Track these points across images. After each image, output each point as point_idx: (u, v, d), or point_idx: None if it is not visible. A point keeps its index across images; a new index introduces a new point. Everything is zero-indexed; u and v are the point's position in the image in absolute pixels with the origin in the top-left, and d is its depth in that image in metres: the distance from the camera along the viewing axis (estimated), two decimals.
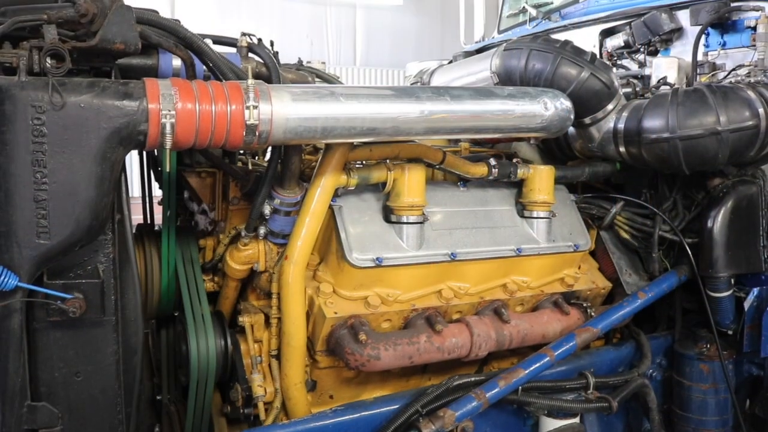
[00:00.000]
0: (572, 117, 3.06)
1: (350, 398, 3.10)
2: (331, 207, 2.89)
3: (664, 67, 3.83)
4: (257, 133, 2.32)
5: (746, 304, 3.40)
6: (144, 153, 3.29)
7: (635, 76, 4.01)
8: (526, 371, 3.00)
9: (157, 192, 3.35)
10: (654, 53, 4.22)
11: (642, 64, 4.26)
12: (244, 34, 2.95)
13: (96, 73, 2.40)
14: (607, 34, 4.55)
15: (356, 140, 2.72)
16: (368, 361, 2.77)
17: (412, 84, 5.18)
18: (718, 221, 3.37)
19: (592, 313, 3.32)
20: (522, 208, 3.29)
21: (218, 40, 2.96)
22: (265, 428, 2.87)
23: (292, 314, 2.82)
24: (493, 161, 3.23)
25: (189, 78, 2.61)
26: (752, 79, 3.38)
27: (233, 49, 2.94)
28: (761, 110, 3.10)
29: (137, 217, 3.13)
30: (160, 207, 3.21)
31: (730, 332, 3.49)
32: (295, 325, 2.83)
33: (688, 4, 3.89)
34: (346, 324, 2.86)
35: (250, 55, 2.92)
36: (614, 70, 4.02)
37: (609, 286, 3.53)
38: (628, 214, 3.57)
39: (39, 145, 2.07)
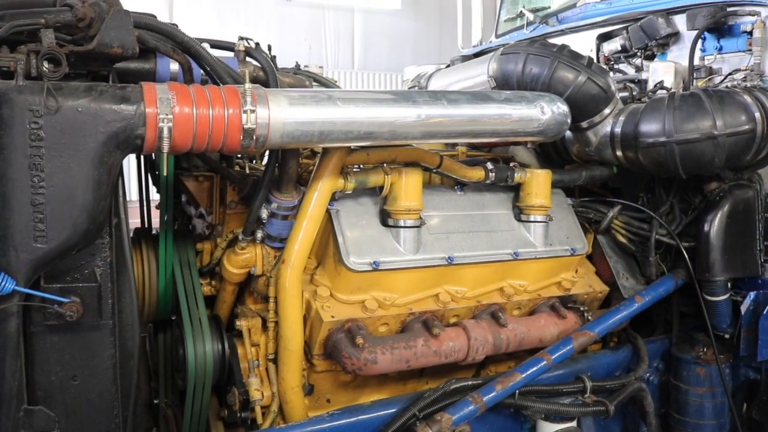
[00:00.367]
0: (569, 121, 3.07)
1: (347, 402, 3.09)
2: (328, 211, 2.89)
3: (661, 72, 3.84)
4: (254, 137, 2.33)
5: (743, 308, 3.40)
6: (141, 157, 3.29)
7: (632, 81, 4.02)
8: (523, 375, 3.00)
9: (155, 196, 3.35)
10: (651, 57, 4.22)
11: (639, 69, 4.26)
12: (241, 38, 2.95)
13: (93, 78, 2.41)
14: (604, 38, 4.56)
15: (353, 144, 2.72)
16: (365, 365, 2.77)
17: (409, 88, 5.19)
18: (714, 225, 3.37)
19: (589, 317, 3.32)
20: (519, 212, 3.29)
21: (216, 44, 2.96)
22: None
23: (290, 318, 2.82)
24: (490, 165, 3.23)
25: (186, 82, 2.61)
26: (749, 84, 3.39)
27: (231, 53, 2.94)
28: (757, 114, 3.11)
29: (135, 221, 3.13)
30: (158, 211, 3.21)
31: (727, 336, 3.49)
32: (292, 329, 2.83)
33: (685, 9, 3.90)
34: (344, 328, 2.86)
35: (248, 59, 2.93)
36: (611, 74, 4.02)
37: (606, 289, 3.54)
38: (625, 218, 3.58)
39: (36, 149, 2.08)
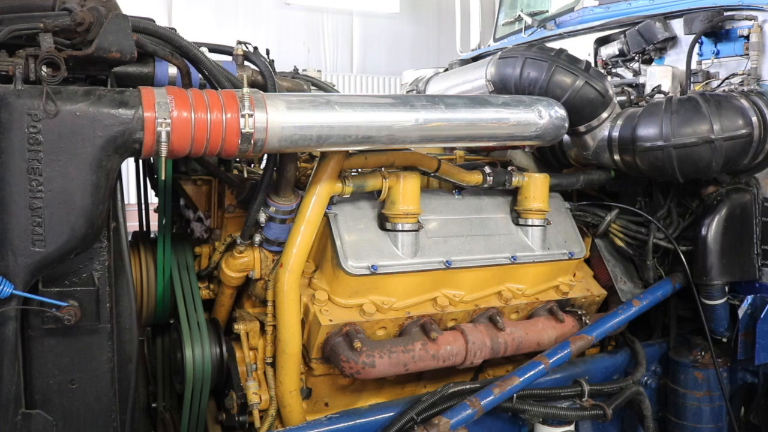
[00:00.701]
0: (566, 125, 3.08)
1: (345, 406, 3.10)
2: (326, 215, 2.90)
3: (659, 76, 3.84)
4: (252, 142, 2.33)
5: (740, 312, 3.41)
6: (140, 160, 3.29)
7: (630, 85, 4.02)
8: (521, 379, 3.01)
9: (153, 199, 3.35)
10: (648, 62, 4.23)
11: (636, 73, 4.27)
12: (240, 43, 2.96)
13: (92, 82, 2.41)
14: (601, 42, 4.57)
15: (351, 148, 2.73)
16: (363, 369, 2.78)
17: (408, 92, 5.19)
18: (712, 229, 3.38)
19: (587, 321, 3.33)
20: (517, 216, 3.30)
21: (214, 49, 2.96)
22: None
23: (288, 322, 2.83)
24: (488, 169, 3.23)
25: (185, 86, 2.62)
26: (745, 88, 3.39)
27: (229, 58, 2.95)
28: (754, 119, 3.12)
29: (133, 224, 3.14)
30: (156, 214, 3.22)
31: (724, 340, 3.50)
32: (290, 333, 2.83)
33: (682, 13, 3.90)
34: (341, 331, 2.87)
35: (246, 63, 2.93)
36: (609, 78, 4.03)
37: (604, 293, 3.54)
38: (623, 222, 3.58)
39: (35, 153, 2.08)
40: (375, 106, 2.61)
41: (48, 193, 2.11)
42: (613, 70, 4.45)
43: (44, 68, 2.14)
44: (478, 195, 3.31)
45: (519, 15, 5.53)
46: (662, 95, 3.71)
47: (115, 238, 2.43)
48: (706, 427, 3.49)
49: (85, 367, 2.40)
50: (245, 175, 3.06)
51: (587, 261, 3.67)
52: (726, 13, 3.67)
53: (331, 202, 2.91)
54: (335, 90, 3.87)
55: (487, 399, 2.90)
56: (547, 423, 3.08)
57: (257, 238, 2.93)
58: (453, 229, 3.14)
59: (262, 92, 2.41)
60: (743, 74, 3.49)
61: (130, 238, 3.05)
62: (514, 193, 3.33)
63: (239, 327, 2.99)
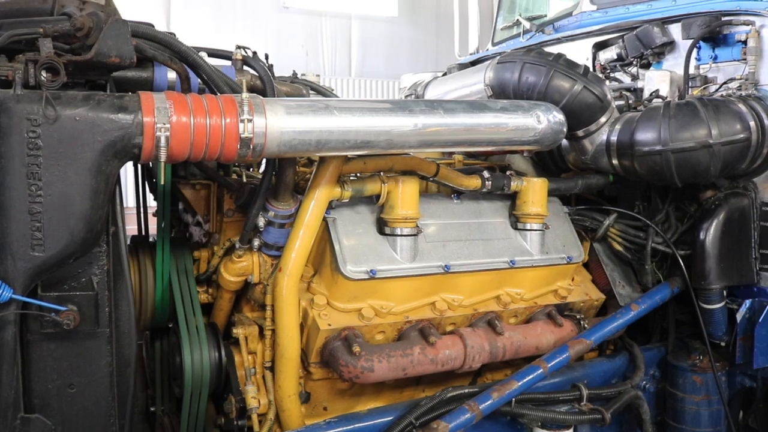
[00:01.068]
0: (565, 130, 3.08)
1: (344, 410, 3.10)
2: (325, 219, 2.90)
3: (657, 80, 3.85)
4: (251, 147, 2.34)
5: (738, 316, 3.41)
6: (139, 165, 3.29)
7: (628, 89, 4.03)
8: (520, 383, 3.00)
9: (152, 203, 3.35)
10: (646, 66, 4.23)
11: (635, 77, 4.27)
12: (238, 47, 2.96)
13: (91, 87, 2.42)
14: (600, 47, 4.57)
15: (350, 153, 2.73)
16: (362, 373, 2.78)
17: (406, 96, 5.20)
18: (710, 233, 3.38)
19: (586, 325, 3.33)
20: (515, 221, 3.30)
21: (213, 53, 2.97)
22: None
23: (286, 326, 2.83)
24: (486, 174, 3.24)
25: (184, 91, 2.62)
26: (743, 93, 3.40)
27: (228, 62, 2.95)
28: (752, 123, 3.13)
29: (132, 228, 3.14)
30: (155, 218, 3.22)
31: (722, 344, 3.50)
32: (289, 337, 2.84)
33: (680, 18, 3.91)
34: (340, 336, 2.87)
35: (245, 68, 2.94)
36: (607, 82, 4.03)
37: (602, 297, 3.54)
38: (621, 226, 3.59)
39: (34, 158, 2.08)
40: (374, 111, 2.61)
41: (47, 197, 2.12)
42: (612, 75, 4.45)
43: (44, 73, 2.14)
44: (476, 199, 3.31)
45: (517, 19, 5.54)
46: (660, 100, 3.72)
47: (114, 242, 2.43)
48: (704, 431, 3.49)
49: (83, 372, 2.40)
50: (244, 180, 3.06)
51: (586, 265, 3.67)
52: (724, 18, 3.67)
53: (330, 207, 2.91)
54: (334, 94, 3.87)
55: (486, 403, 2.90)
56: (545, 427, 3.08)
57: (256, 243, 2.93)
58: (452, 234, 3.14)
59: (261, 97, 2.42)
60: (741, 79, 3.49)
61: (128, 243, 3.05)
62: (512, 198, 3.34)
63: (238, 331, 2.99)
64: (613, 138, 3.28)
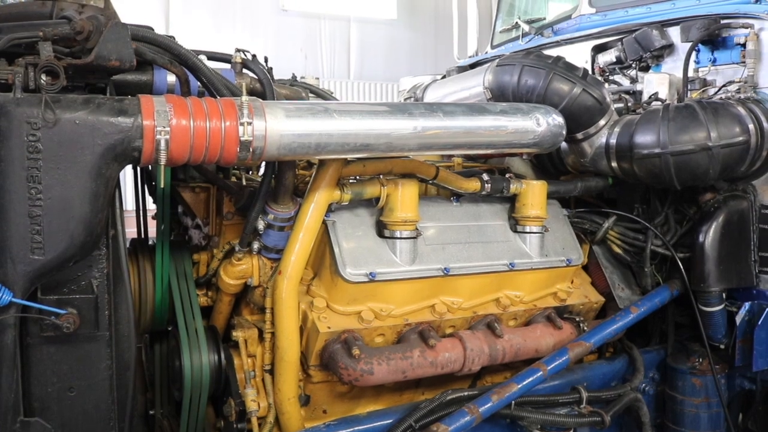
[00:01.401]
0: (564, 132, 3.08)
1: (344, 413, 3.10)
2: (324, 222, 2.90)
3: (656, 83, 3.85)
4: (251, 150, 2.34)
5: (738, 319, 3.41)
6: (138, 167, 3.29)
7: (627, 92, 4.03)
8: (519, 386, 3.00)
9: (151, 206, 3.35)
10: (645, 69, 4.24)
11: (634, 80, 4.28)
12: (238, 50, 2.96)
13: (91, 90, 2.42)
14: (599, 49, 4.58)
15: (350, 156, 2.73)
16: (362, 376, 2.78)
17: (405, 99, 5.20)
18: (709, 236, 3.39)
19: (585, 328, 3.33)
20: (515, 223, 3.31)
21: (213, 56, 2.97)
22: None
23: (286, 329, 2.83)
24: (485, 176, 3.24)
25: (183, 94, 2.63)
26: (742, 96, 3.40)
27: (227, 65, 2.95)
28: (751, 126, 3.13)
29: (131, 231, 3.14)
30: (154, 221, 3.22)
31: (722, 346, 3.50)
32: (288, 340, 2.84)
33: (679, 21, 3.91)
34: (340, 339, 2.87)
35: (245, 71, 2.94)
36: (606, 85, 4.04)
37: (602, 300, 3.55)
38: (621, 229, 3.59)
39: (34, 161, 2.08)
40: (373, 114, 2.61)
41: (47, 201, 2.11)
42: (611, 78, 4.46)
43: (43, 76, 2.14)
44: (476, 202, 3.32)
45: (516, 22, 5.54)
46: (659, 103, 3.72)
47: (114, 245, 2.43)
48: None
49: (83, 375, 2.40)
50: (244, 183, 3.06)
51: (585, 268, 3.68)
52: (723, 21, 3.68)
53: (330, 210, 2.91)
54: (333, 97, 3.88)
55: (486, 406, 2.90)
56: (545, 430, 3.08)
57: (255, 246, 2.93)
58: (451, 236, 3.14)
59: (260, 100, 2.42)
60: (740, 82, 3.50)
61: (128, 246, 3.05)
62: (512, 200, 3.34)
63: (237, 334, 2.99)
64: (613, 141, 3.28)
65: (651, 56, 4.15)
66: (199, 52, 2.75)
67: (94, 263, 2.35)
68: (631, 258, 3.61)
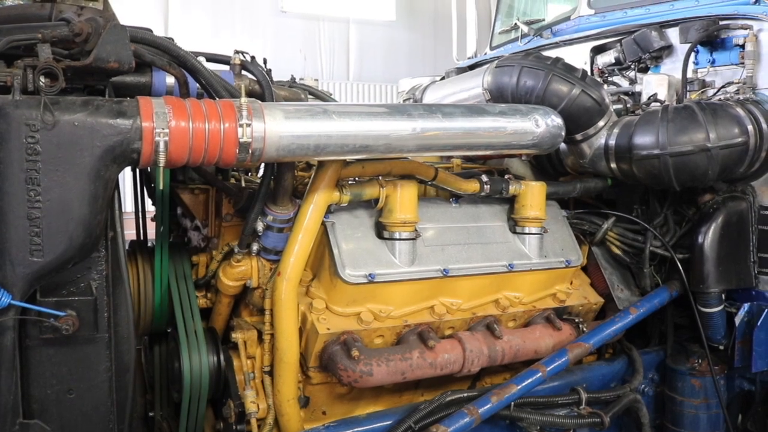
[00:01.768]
0: (563, 134, 3.08)
1: (343, 414, 3.10)
2: (323, 223, 2.90)
3: (655, 84, 3.85)
4: (250, 151, 2.34)
5: (737, 320, 3.41)
6: (137, 169, 3.29)
7: (626, 93, 4.03)
8: (519, 387, 3.00)
9: (151, 208, 3.35)
10: (644, 70, 4.24)
11: (633, 81, 4.28)
12: (237, 52, 2.96)
13: (90, 92, 2.42)
14: (598, 51, 4.58)
15: (349, 157, 2.73)
16: (361, 377, 2.78)
17: (404, 100, 5.20)
18: (708, 237, 3.39)
19: (584, 329, 3.33)
20: (514, 224, 3.31)
21: (211, 58, 2.97)
22: None
23: (285, 330, 2.83)
24: (484, 177, 3.24)
25: (182, 96, 2.62)
26: (741, 97, 3.41)
27: (226, 67, 2.95)
28: (750, 127, 3.13)
29: (130, 233, 3.14)
30: (154, 223, 3.22)
31: (721, 347, 3.50)
32: (287, 341, 2.83)
33: (678, 22, 3.92)
34: (339, 340, 2.87)
35: (243, 72, 2.94)
36: (605, 86, 4.04)
37: (601, 301, 3.55)
38: (620, 230, 3.59)
39: (33, 164, 2.08)
40: (372, 115, 2.61)
41: (46, 203, 2.11)
42: (610, 79, 4.46)
43: (42, 78, 2.14)
44: (475, 203, 3.32)
45: (515, 23, 5.54)
46: (658, 104, 3.72)
47: (113, 247, 2.43)
48: None
49: (82, 377, 2.40)
50: (243, 184, 3.06)
51: (584, 269, 3.68)
52: (721, 22, 3.68)
53: (329, 211, 2.91)
54: (332, 98, 3.88)
55: (485, 407, 2.90)
56: (544, 431, 3.08)
57: (255, 247, 2.93)
58: (450, 238, 3.14)
59: (259, 102, 2.42)
60: (739, 83, 3.50)
61: (127, 247, 3.05)
62: (511, 202, 3.34)
63: (237, 336, 2.99)
64: (612, 142, 3.28)
65: (650, 57, 4.16)
66: (197, 54, 2.75)
67: (93, 265, 2.35)
68: (630, 259, 3.61)
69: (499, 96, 3.39)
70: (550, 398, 3.16)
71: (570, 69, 3.25)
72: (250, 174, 3.46)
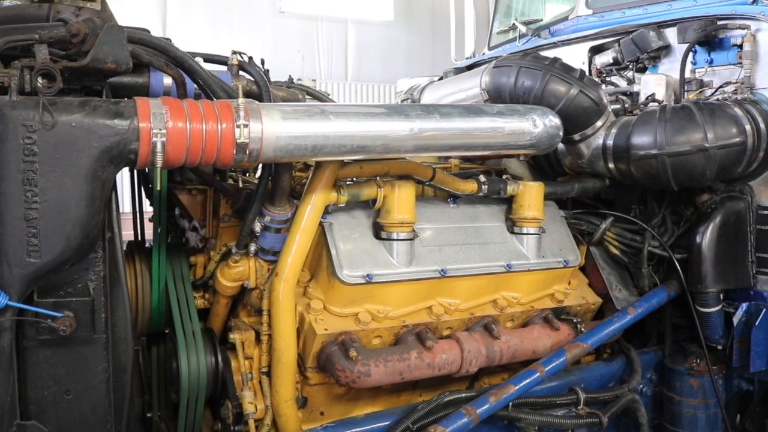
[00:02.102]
0: (561, 134, 3.08)
1: (341, 415, 3.09)
2: (321, 224, 2.90)
3: (653, 84, 3.85)
4: (248, 152, 2.33)
5: (735, 319, 3.42)
6: (135, 170, 3.29)
7: (624, 93, 4.03)
8: (517, 387, 3.01)
9: (148, 208, 3.35)
10: (642, 70, 4.25)
11: (631, 81, 4.28)
12: (234, 53, 2.96)
13: (87, 92, 2.41)
14: (596, 51, 4.58)
15: (346, 158, 2.73)
16: (359, 378, 2.77)
17: (402, 100, 5.20)
18: (706, 237, 3.39)
19: (582, 329, 3.33)
20: (512, 225, 3.31)
21: (209, 59, 2.97)
22: None
23: (283, 331, 2.82)
24: (482, 178, 3.24)
25: (180, 97, 2.62)
26: (739, 96, 3.41)
27: (224, 68, 2.95)
28: (748, 127, 3.13)
29: (128, 233, 3.13)
30: (151, 223, 3.22)
31: (719, 347, 3.50)
32: (285, 342, 2.83)
33: (676, 22, 3.92)
34: (337, 340, 2.86)
35: (241, 73, 2.94)
36: (603, 86, 4.04)
37: (599, 301, 3.55)
38: (618, 230, 3.59)
39: (30, 164, 2.08)
40: (370, 115, 2.61)
41: (43, 204, 2.11)
42: (608, 79, 4.47)
43: (40, 79, 2.14)
44: (473, 203, 3.32)
45: (513, 23, 5.55)
46: (656, 104, 3.72)
47: (111, 248, 2.42)
48: None
49: (80, 378, 2.39)
50: (240, 185, 3.06)
51: (582, 269, 3.68)
52: (719, 22, 3.69)
53: (326, 212, 2.91)
54: (330, 99, 3.88)
55: (483, 407, 2.90)
56: (543, 431, 3.08)
57: (252, 248, 2.92)
58: (448, 238, 3.14)
59: (257, 102, 2.42)
60: (737, 83, 3.51)
61: (125, 248, 3.05)
62: (509, 202, 3.34)
63: (234, 336, 2.98)
64: (610, 142, 3.28)
65: (648, 57, 4.16)
66: (195, 55, 2.75)
67: (90, 266, 2.35)
68: (628, 259, 3.61)
69: (497, 96, 3.39)
70: (548, 398, 3.16)
71: (568, 69, 3.25)
72: (247, 174, 3.45)
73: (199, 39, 14.67)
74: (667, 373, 3.60)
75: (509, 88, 3.29)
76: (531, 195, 3.27)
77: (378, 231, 2.99)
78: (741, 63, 3.54)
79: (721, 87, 3.60)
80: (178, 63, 2.57)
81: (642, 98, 3.86)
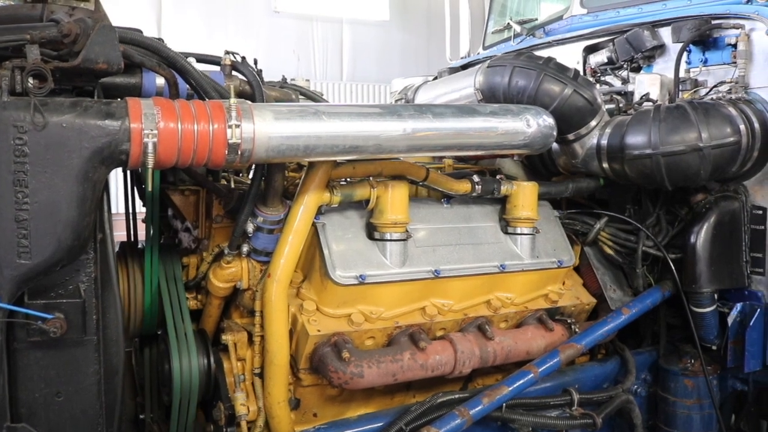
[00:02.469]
0: (555, 134, 3.08)
1: (334, 416, 3.09)
2: (314, 224, 2.89)
3: (647, 84, 3.85)
4: (239, 152, 2.33)
5: (730, 320, 3.42)
6: (127, 170, 3.28)
7: (618, 93, 4.03)
8: (510, 388, 3.00)
9: (141, 209, 3.34)
10: (637, 70, 4.24)
11: (625, 81, 4.28)
12: (227, 53, 2.95)
13: (79, 93, 2.40)
14: (590, 50, 4.58)
15: (339, 158, 2.72)
16: (352, 379, 2.77)
17: (397, 100, 5.20)
18: (701, 237, 3.39)
19: (577, 329, 3.33)
20: (506, 225, 3.30)
21: (202, 59, 2.96)
22: None
23: (276, 332, 2.81)
24: (476, 178, 3.23)
25: (172, 97, 2.61)
26: (733, 96, 3.41)
27: (217, 68, 2.94)
28: (742, 126, 3.14)
29: (120, 234, 3.12)
30: (144, 224, 3.20)
31: (714, 347, 3.50)
32: (278, 343, 2.82)
33: (670, 22, 3.92)
34: (330, 342, 2.86)
35: (234, 73, 2.92)
36: (597, 86, 4.04)
37: (593, 301, 3.54)
38: (612, 230, 3.59)
39: (21, 165, 2.06)
40: (362, 115, 2.60)
41: (34, 205, 2.09)
42: (602, 79, 4.46)
43: (31, 80, 2.12)
44: (466, 204, 3.31)
45: (508, 23, 5.55)
46: (651, 103, 3.72)
47: (102, 249, 2.41)
48: None
49: (71, 380, 2.38)
50: (233, 185, 3.05)
51: (576, 269, 3.67)
52: (714, 22, 3.68)
53: (319, 212, 2.90)
54: (323, 99, 3.86)
55: (476, 408, 2.90)
56: None
57: (245, 249, 2.92)
58: (441, 238, 3.13)
59: (249, 102, 2.41)
60: (731, 82, 3.50)
61: (117, 249, 3.03)
62: (502, 202, 3.33)
63: (227, 337, 2.97)
64: (604, 141, 3.28)
65: (642, 57, 4.15)
66: (188, 55, 2.74)
67: (81, 267, 2.34)
68: (622, 259, 3.61)
69: (491, 96, 3.38)
70: (542, 399, 3.16)
71: (562, 69, 3.25)
72: (240, 175, 3.44)
73: (194, 39, 14.65)
74: (662, 373, 3.60)
75: (503, 87, 3.29)
76: (525, 195, 3.27)
77: (371, 231, 2.99)
78: (735, 62, 3.54)
79: (715, 86, 3.60)
80: (170, 63, 2.56)
81: (636, 98, 3.85)
